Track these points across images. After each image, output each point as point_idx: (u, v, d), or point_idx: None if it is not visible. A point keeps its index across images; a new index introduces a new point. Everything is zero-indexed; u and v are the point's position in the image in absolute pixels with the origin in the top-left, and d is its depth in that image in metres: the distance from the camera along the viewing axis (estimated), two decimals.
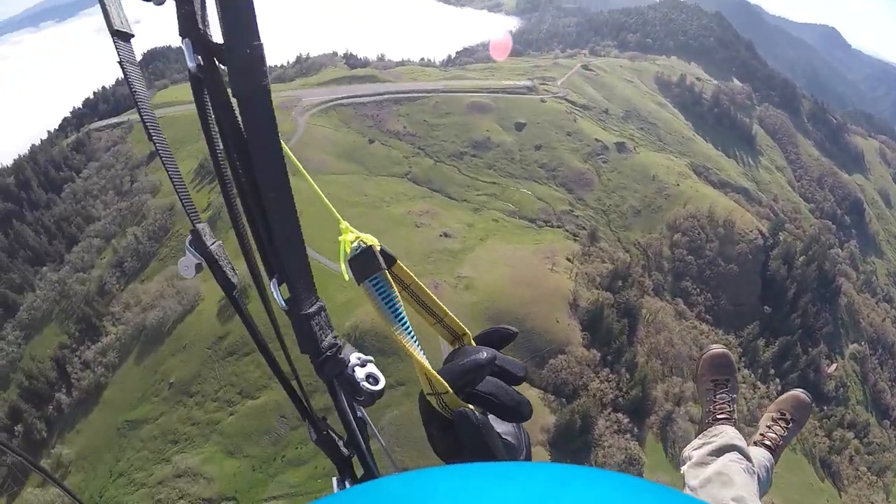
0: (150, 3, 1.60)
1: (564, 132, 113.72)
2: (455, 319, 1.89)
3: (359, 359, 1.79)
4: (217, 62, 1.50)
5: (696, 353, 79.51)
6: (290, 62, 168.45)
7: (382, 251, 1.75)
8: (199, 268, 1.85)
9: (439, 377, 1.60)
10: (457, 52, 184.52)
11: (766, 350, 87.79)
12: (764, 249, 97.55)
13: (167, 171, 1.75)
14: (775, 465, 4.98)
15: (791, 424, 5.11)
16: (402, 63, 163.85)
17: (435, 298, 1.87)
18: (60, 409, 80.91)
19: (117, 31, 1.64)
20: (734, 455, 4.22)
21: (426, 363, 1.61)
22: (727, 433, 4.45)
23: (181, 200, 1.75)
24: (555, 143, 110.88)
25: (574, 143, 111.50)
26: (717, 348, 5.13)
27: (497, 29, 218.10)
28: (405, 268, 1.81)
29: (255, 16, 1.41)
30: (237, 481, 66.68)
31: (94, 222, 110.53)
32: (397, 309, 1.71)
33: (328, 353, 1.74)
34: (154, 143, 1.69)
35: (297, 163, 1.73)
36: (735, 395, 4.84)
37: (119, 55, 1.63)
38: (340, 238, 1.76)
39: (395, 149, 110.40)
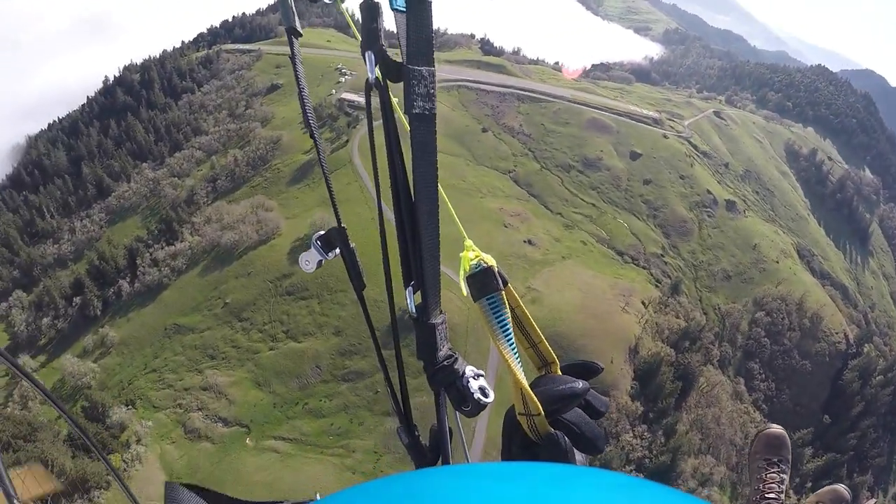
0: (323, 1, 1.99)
1: (678, 174, 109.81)
2: (548, 347, 2.03)
3: (473, 372, 1.93)
4: (390, 80, 1.74)
5: (739, 438, 75.66)
6: None
7: (499, 272, 1.93)
8: (319, 264, 2.14)
9: (535, 398, 1.71)
10: (593, 65, 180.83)
11: (810, 461, 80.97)
12: (844, 356, 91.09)
13: (324, 174, 2.12)
14: None
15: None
16: (536, 62, 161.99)
17: (534, 324, 2.03)
18: (119, 295, 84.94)
19: (291, 28, 1.92)
20: None
21: (526, 384, 1.74)
22: None
23: (332, 200, 2.11)
24: (665, 182, 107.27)
25: (684, 189, 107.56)
26: (776, 428, 4.95)
27: (639, 52, 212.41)
28: (513, 291, 1.96)
29: (433, 41, 1.68)
30: (255, 412, 68.06)
31: (201, 135, 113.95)
32: (507, 328, 1.87)
33: (444, 363, 1.91)
34: (315, 144, 2.03)
35: (441, 190, 1.86)
36: (786, 477, 4.68)
37: (291, 51, 1.89)
38: (462, 254, 1.92)
39: (506, 144, 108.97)
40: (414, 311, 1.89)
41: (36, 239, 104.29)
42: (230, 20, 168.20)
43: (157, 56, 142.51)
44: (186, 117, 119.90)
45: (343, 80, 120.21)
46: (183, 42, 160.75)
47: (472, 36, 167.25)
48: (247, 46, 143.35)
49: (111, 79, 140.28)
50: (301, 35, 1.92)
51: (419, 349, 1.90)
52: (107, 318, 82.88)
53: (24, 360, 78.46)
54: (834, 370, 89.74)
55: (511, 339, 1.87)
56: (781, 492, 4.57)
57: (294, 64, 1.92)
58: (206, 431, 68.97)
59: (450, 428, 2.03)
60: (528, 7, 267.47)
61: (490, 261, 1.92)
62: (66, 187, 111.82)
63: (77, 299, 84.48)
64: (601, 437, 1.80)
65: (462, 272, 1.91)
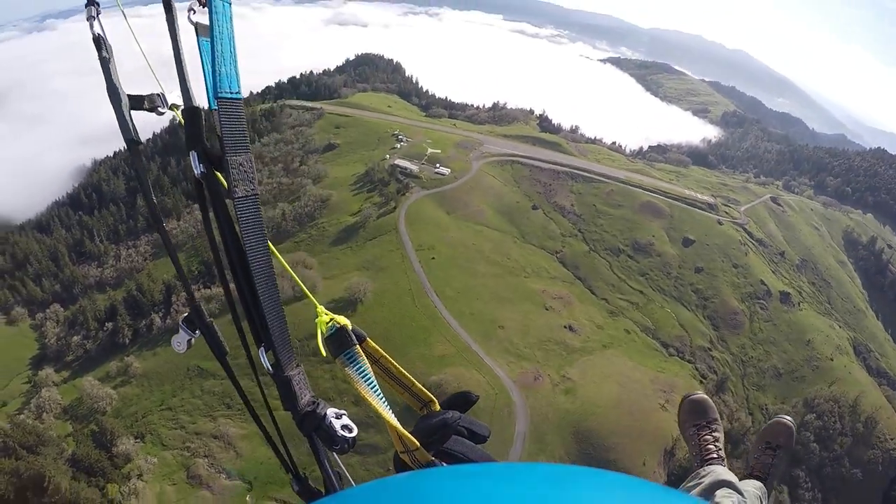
0: (154, 115, 2.20)
1: (731, 263, 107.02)
2: (422, 388, 2.19)
3: (335, 413, 2.08)
4: (216, 170, 1.95)
5: None
6: (486, 106, 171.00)
7: (354, 330, 2.14)
8: (189, 343, 2.35)
9: (409, 435, 1.89)
10: (649, 146, 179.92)
11: None
12: None
13: (170, 254, 2.34)
14: (769, 494, 4.97)
15: (778, 451, 5.23)
16: (593, 141, 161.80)
17: (402, 370, 2.20)
18: (150, 328, 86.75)
19: (131, 140, 2.12)
20: (725, 491, 4.22)
21: (397, 423, 1.89)
22: (716, 471, 4.47)
23: (183, 283, 2.34)
24: (717, 270, 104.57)
25: (737, 278, 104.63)
26: (694, 394, 5.24)
27: (696, 134, 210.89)
28: (374, 344, 2.18)
29: (246, 132, 1.90)
30: (261, 469, 67.27)
31: None
32: (369, 378, 2.05)
33: (308, 409, 2.05)
34: (163, 236, 2.24)
35: (279, 255, 2.13)
36: (720, 436, 4.92)
37: (134, 162, 2.18)
38: (317, 320, 2.14)
39: (556, 223, 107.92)
40: (269, 368, 2.07)
41: (82, 259, 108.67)
42: (297, 77, 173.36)
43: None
44: None
45: (399, 146, 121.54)
46: (251, 93, 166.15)
47: (531, 111, 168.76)
48: (310, 104, 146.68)
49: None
50: (142, 144, 2.11)
51: (282, 400, 2.07)
52: (134, 348, 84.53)
53: (48, 372, 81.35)
54: (887, 481, 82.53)
55: (374, 386, 2.04)
56: (720, 448, 4.83)
57: (139, 175, 2.13)
58: (208, 480, 68.86)
59: (338, 472, 2.27)
60: (588, 86, 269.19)
61: (343, 321, 2.13)
62: (118, 215, 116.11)
63: (109, 324, 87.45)
64: (486, 459, 1.96)
65: (319, 335, 2.11)
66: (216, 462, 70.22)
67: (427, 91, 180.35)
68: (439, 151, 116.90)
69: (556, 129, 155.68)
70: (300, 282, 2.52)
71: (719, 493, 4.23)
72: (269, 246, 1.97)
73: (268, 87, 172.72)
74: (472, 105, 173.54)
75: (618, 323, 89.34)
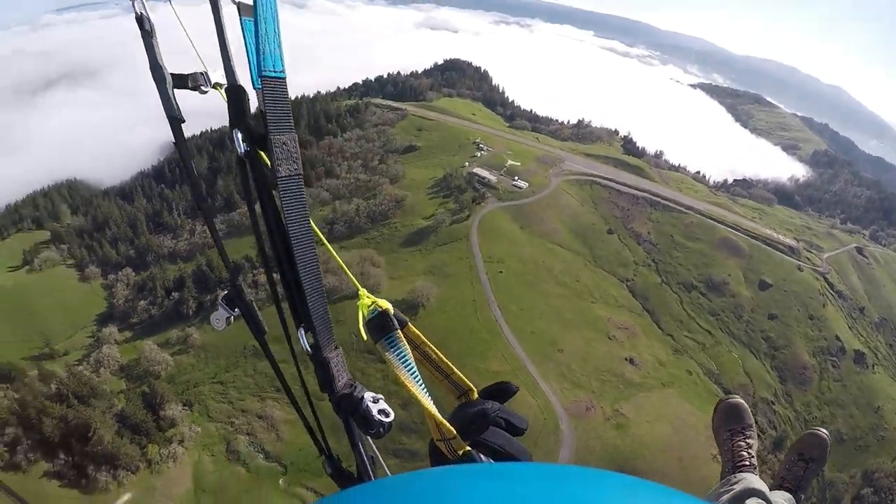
0: (197, 93, 2.21)
1: (807, 313, 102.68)
2: (462, 377, 2.17)
3: (372, 397, 2.09)
4: (259, 149, 1.98)
5: None
6: (571, 122, 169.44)
7: (395, 315, 2.14)
8: (228, 321, 2.38)
9: (447, 423, 1.89)
10: (735, 180, 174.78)
11: None
12: None
13: (213, 238, 2.46)
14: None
15: (811, 464, 5.05)
16: (676, 168, 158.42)
17: (443, 357, 2.18)
18: (214, 304, 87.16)
19: (173, 117, 2.13)
20: (755, 501, 4.15)
21: (435, 411, 1.90)
22: (747, 479, 4.41)
23: (224, 260, 2.42)
24: (792, 320, 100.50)
25: (811, 330, 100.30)
26: (731, 398, 5.15)
27: (784, 171, 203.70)
28: (416, 330, 2.16)
29: (290, 111, 1.91)
30: (298, 456, 68.33)
31: (331, 178, 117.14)
32: (409, 363, 2.05)
33: (344, 392, 2.08)
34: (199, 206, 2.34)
35: (321, 234, 2.08)
36: (753, 443, 4.83)
37: (175, 139, 2.17)
38: (359, 303, 2.15)
39: (630, 250, 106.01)
40: (309, 349, 2.08)
41: (159, 229, 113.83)
42: (385, 76, 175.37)
43: (311, 95, 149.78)
44: (323, 158, 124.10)
45: (479, 154, 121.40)
46: (338, 88, 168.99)
47: (616, 132, 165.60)
48: (395, 104, 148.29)
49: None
50: (184, 122, 2.12)
51: (319, 382, 2.10)
52: (196, 321, 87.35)
53: (111, 330, 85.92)
54: None
55: (414, 372, 2.03)
56: (752, 456, 4.70)
57: (181, 151, 2.17)
58: (245, 457, 71.09)
59: (371, 456, 2.31)
60: (676, 110, 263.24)
61: (385, 305, 2.14)
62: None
63: (175, 294, 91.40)
64: (523, 452, 1.93)
65: (360, 318, 2.12)
66: (256, 441, 72.38)
67: (512, 102, 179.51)
68: (519, 164, 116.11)
69: (640, 153, 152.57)
70: (342, 264, 2.69)
71: (749, 502, 4.18)
72: (311, 227, 1.98)
73: (355, 84, 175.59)
74: (557, 120, 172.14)
75: (681, 362, 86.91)
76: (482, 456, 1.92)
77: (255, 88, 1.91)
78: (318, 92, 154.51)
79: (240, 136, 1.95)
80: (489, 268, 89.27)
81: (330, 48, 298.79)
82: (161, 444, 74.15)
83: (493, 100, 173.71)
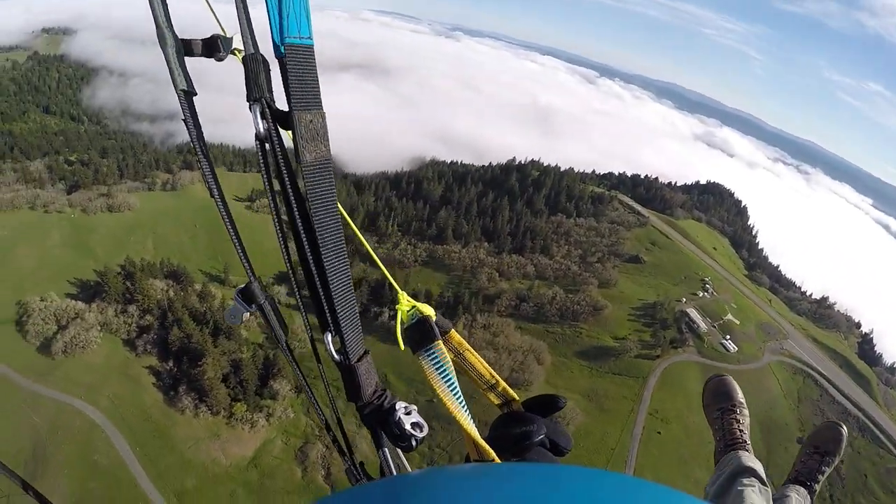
0: (213, 60, 1.95)
1: None
2: (506, 387, 2.08)
3: (405, 408, 1.94)
4: (282, 128, 1.73)
5: None
6: (813, 296, 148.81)
7: (438, 322, 2.00)
8: (244, 317, 2.14)
9: (486, 447, 1.76)
10: None
11: None
12: None
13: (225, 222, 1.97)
14: (811, 501, 4.82)
15: (826, 457, 5.01)
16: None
17: (487, 366, 2.08)
18: (376, 317, 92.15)
19: (184, 91, 1.79)
20: (746, 479, 4.22)
21: (475, 431, 1.77)
22: (740, 457, 4.47)
23: (241, 254, 2.04)
24: None
25: None
26: (719, 377, 5.15)
27: None
28: (459, 336, 2.06)
29: (318, 85, 1.69)
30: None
31: (544, 255, 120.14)
32: (448, 376, 1.90)
33: (373, 401, 1.95)
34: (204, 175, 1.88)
35: (353, 224, 2.01)
36: (744, 419, 4.83)
37: (184, 112, 1.78)
38: (397, 306, 2.00)
39: None
40: (335, 355, 1.93)
41: (369, 229, 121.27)
42: (641, 176, 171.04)
43: (563, 168, 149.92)
44: (547, 233, 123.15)
45: (701, 294, 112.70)
46: (593, 171, 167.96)
47: (857, 325, 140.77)
48: (639, 208, 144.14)
49: (519, 161, 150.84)
50: (196, 94, 1.83)
51: (346, 391, 1.96)
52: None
53: (281, 290, 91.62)
54: None
55: (454, 386, 1.89)
56: (744, 432, 4.71)
57: (187, 126, 1.82)
58: (309, 464, 75.58)
59: (398, 464, 2.09)
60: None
61: (427, 310, 1.99)
62: (414, 213, 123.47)
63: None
64: None
65: (398, 324, 1.97)
66: (329, 457, 74.90)
67: (761, 250, 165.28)
68: (738, 323, 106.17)
69: (874, 360, 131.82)
70: (380, 261, 2.44)
71: (740, 481, 4.20)
72: (341, 216, 1.83)
73: (609, 174, 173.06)
74: (799, 287, 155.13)
75: None
76: None
77: (277, 57, 1.67)
78: (571, 168, 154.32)
79: (258, 111, 1.69)
80: (649, 422, 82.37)
81: (601, 130, 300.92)
82: (251, 407, 79.12)
83: (741, 240, 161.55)
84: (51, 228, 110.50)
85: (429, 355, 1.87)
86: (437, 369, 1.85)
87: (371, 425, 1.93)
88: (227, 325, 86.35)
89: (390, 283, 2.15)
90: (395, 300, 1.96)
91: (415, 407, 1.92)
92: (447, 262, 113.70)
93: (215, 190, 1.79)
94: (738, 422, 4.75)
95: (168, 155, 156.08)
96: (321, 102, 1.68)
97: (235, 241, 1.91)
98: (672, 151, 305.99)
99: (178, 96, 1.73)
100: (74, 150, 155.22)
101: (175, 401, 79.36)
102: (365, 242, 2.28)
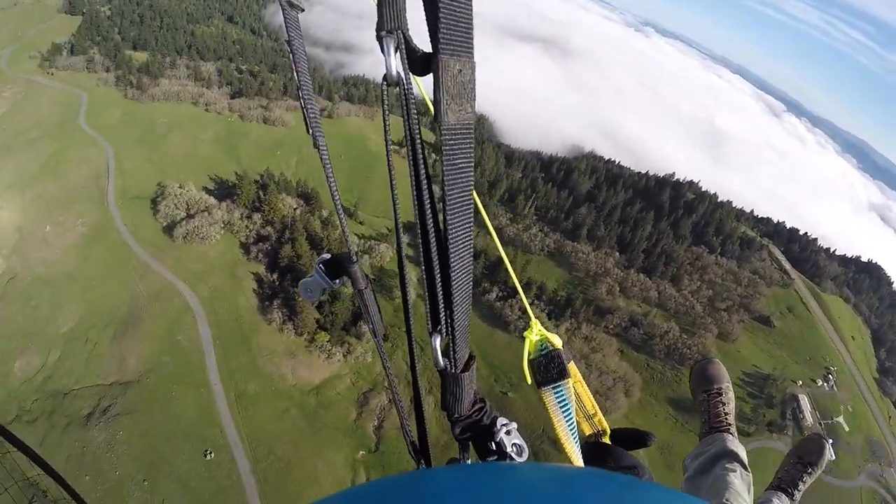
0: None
1: None
2: (602, 419, 2.13)
3: (506, 427, 1.73)
4: (415, 74, 1.38)
5: None
6: None
7: (563, 353, 1.88)
8: (323, 293, 2.03)
9: None
10: None
11: None
12: None
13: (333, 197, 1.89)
14: None
15: (809, 468, 5.02)
16: None
17: (591, 397, 2.11)
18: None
19: (289, 2, 1.59)
20: (728, 462, 4.26)
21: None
22: (721, 440, 4.51)
23: (342, 228, 1.89)
24: None
25: None
26: (707, 360, 5.10)
27: None
28: (574, 366, 2.01)
29: (472, 27, 1.29)
30: (399, 456, 70.92)
31: (672, 285, 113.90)
32: (570, 417, 1.81)
33: (472, 415, 1.73)
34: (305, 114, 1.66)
35: (485, 214, 1.91)
36: (730, 403, 4.82)
37: (287, 26, 1.59)
38: (526, 334, 1.88)
39: None
40: (440, 359, 1.66)
41: (503, 204, 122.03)
42: (800, 232, 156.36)
43: (722, 199, 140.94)
44: (683, 262, 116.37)
45: (820, 383, 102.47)
46: (752, 211, 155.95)
47: None
48: (788, 268, 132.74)
49: (677, 178, 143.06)
50: (303, 10, 1.63)
51: (444, 400, 1.70)
52: None
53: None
54: None
55: (574, 427, 1.82)
56: (729, 415, 4.71)
57: (290, 42, 1.60)
58: (368, 411, 75.98)
59: None
60: None
61: (557, 342, 1.88)
62: (556, 202, 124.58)
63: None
64: None
65: (525, 355, 1.86)
66: (387, 411, 76.06)
67: None
68: (847, 430, 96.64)
69: None
70: (510, 267, 2.25)
71: (721, 463, 4.24)
72: (474, 200, 1.48)
73: (767, 218, 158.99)
74: None
75: None
76: None
77: None
78: (729, 201, 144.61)
79: (391, 46, 1.30)
80: None
81: (772, 169, 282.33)
82: (333, 339, 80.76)
83: (884, 338, 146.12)
84: (207, 126, 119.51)
85: (555, 392, 1.79)
86: (558, 402, 1.78)
87: (467, 439, 1.73)
88: (330, 248, 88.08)
89: (508, 270, 2.07)
90: (511, 287, 1.59)
91: (515, 425, 1.71)
92: (572, 261, 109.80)
93: (320, 137, 1.58)
94: (723, 405, 4.71)
95: (333, 84, 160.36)
96: (473, 51, 1.29)
97: (339, 204, 1.77)
98: (841, 214, 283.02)
99: (282, 5, 1.50)
100: (247, 60, 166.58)
101: (267, 311, 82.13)
102: (500, 247, 2.20)
